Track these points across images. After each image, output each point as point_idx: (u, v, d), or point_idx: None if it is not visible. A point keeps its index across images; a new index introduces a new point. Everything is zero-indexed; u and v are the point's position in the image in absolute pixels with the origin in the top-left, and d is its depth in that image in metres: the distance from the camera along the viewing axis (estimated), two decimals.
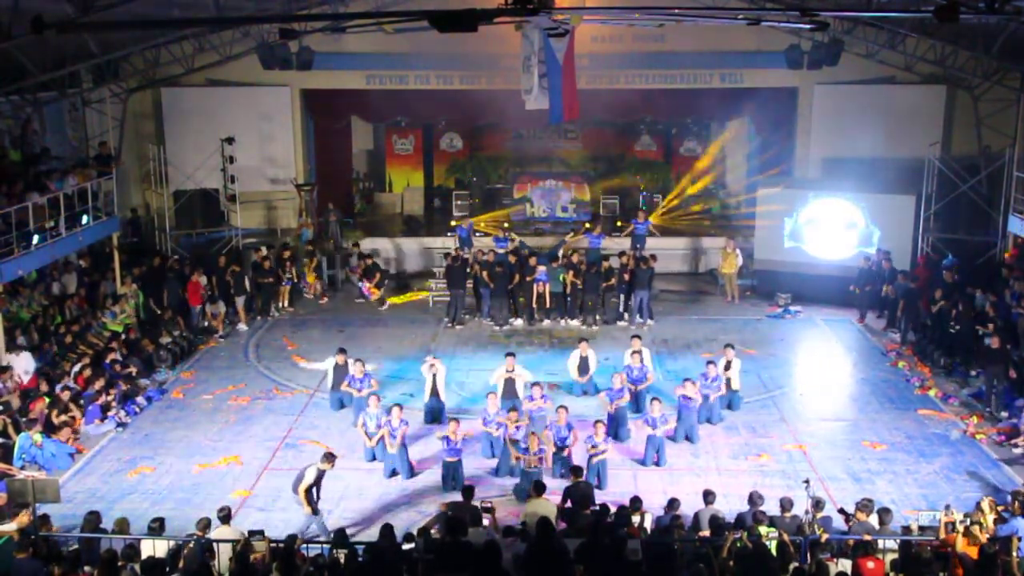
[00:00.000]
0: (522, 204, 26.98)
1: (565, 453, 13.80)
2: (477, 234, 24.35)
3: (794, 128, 26.17)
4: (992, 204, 23.12)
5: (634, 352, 16.22)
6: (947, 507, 11.19)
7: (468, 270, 21.29)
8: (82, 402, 15.92)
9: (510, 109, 22.19)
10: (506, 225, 25.59)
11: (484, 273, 21.11)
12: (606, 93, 25.15)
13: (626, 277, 21.03)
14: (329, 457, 12.52)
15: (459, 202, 27.29)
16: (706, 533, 11.20)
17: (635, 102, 26.46)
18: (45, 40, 17.98)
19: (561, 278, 21.11)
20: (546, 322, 21.16)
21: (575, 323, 20.99)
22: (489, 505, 11.90)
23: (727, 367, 16.16)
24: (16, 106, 21.16)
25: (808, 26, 14.54)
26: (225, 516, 11.39)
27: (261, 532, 11.01)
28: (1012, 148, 21.81)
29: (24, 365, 16.25)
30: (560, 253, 22.63)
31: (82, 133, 23.94)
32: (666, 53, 24.81)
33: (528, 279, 21.08)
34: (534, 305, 21.17)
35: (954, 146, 25.05)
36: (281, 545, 10.62)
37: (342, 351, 16.50)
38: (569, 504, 12.11)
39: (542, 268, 21.06)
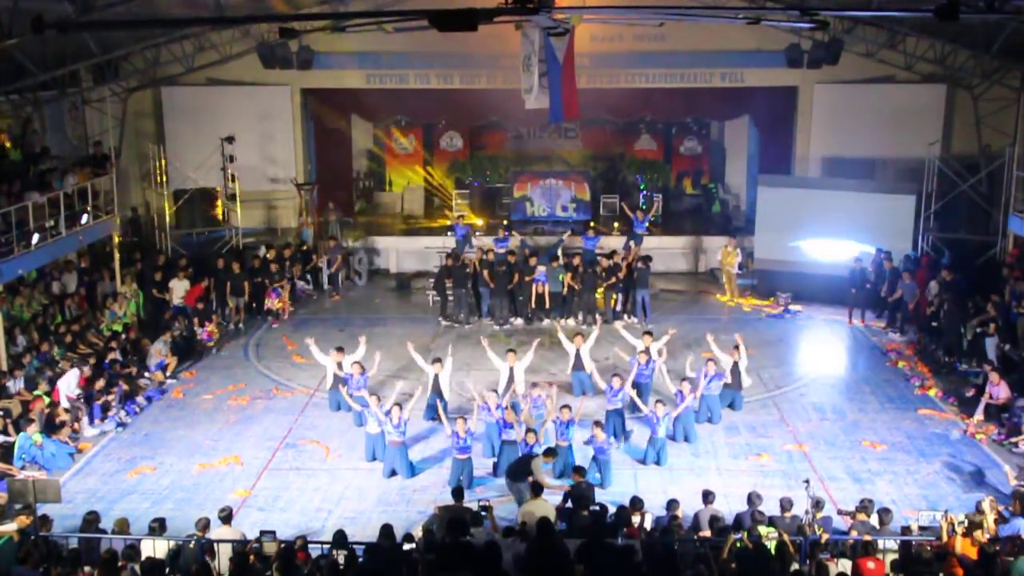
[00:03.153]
0: (522, 203, 27.00)
1: (565, 444, 13.83)
2: (477, 233, 24.39)
3: (794, 127, 26.17)
4: (992, 204, 23.13)
5: (642, 351, 16.18)
6: (946, 512, 11.18)
7: (468, 270, 21.30)
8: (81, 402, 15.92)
9: (510, 109, 22.17)
10: (506, 222, 25.60)
11: (485, 272, 21.12)
12: (606, 93, 25.17)
13: (622, 276, 21.05)
14: (550, 452, 13.03)
15: (459, 202, 27.34)
16: (706, 533, 11.21)
17: (635, 102, 26.50)
18: (45, 40, 18.04)
19: (560, 278, 21.13)
20: (546, 321, 21.16)
21: (572, 323, 21.00)
22: (487, 504, 11.91)
23: (734, 367, 16.16)
24: (16, 106, 21.19)
25: (808, 25, 14.55)
26: (226, 516, 11.39)
27: (273, 533, 11.00)
28: (1012, 148, 21.80)
29: (69, 384, 16.00)
30: (559, 253, 22.61)
31: (82, 133, 23.97)
32: (666, 53, 24.82)
33: (528, 279, 21.11)
34: (533, 306, 21.20)
35: (954, 146, 25.05)
36: (282, 545, 10.62)
37: (339, 350, 16.50)
38: (568, 504, 12.11)
39: (542, 268, 21.09)
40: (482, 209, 27.18)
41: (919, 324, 19.86)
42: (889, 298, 20.57)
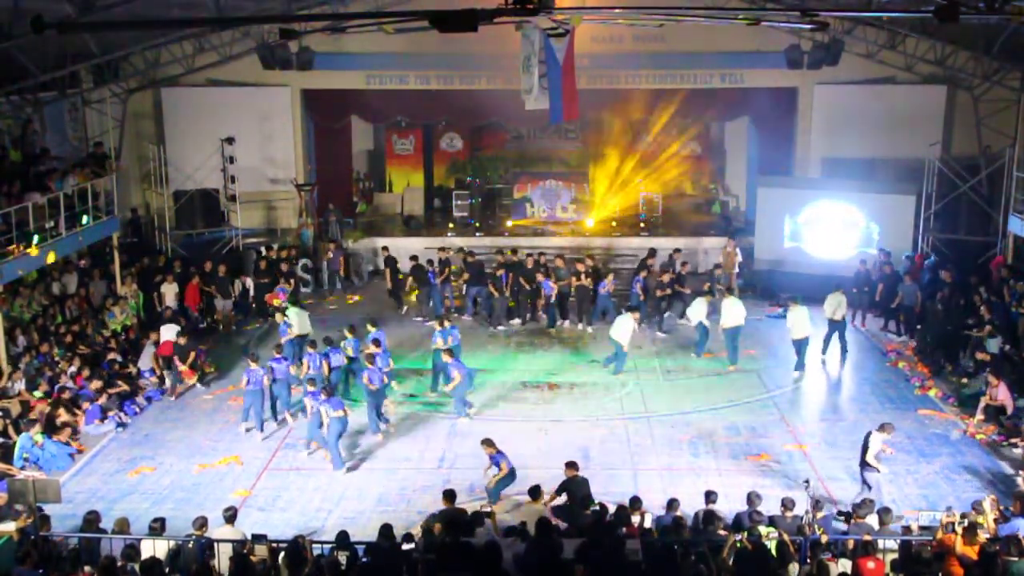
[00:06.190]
0: (522, 204, 26.97)
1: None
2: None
3: (794, 128, 26.17)
4: (992, 204, 23.12)
5: None
6: (948, 508, 11.18)
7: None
8: (81, 402, 15.91)
9: (510, 109, 22.17)
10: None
11: (490, 285, 21.20)
12: (606, 93, 25.16)
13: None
14: (886, 426, 12.75)
15: (459, 202, 27.29)
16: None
17: (635, 102, 26.49)
18: (45, 40, 18.02)
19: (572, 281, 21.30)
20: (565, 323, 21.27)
21: (567, 323, 21.10)
22: (488, 509, 11.92)
23: None
24: (16, 106, 21.19)
25: (808, 26, 14.53)
26: (230, 516, 11.38)
27: (264, 536, 10.99)
28: (1012, 148, 21.80)
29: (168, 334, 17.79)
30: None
31: (82, 133, 23.97)
32: (666, 53, 24.81)
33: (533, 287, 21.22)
34: (541, 312, 21.33)
35: (954, 146, 25.05)
36: (283, 545, 10.61)
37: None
38: (565, 498, 12.08)
39: (547, 280, 21.16)
40: (482, 212, 27.07)
41: (920, 324, 19.82)
42: (892, 304, 20.51)
